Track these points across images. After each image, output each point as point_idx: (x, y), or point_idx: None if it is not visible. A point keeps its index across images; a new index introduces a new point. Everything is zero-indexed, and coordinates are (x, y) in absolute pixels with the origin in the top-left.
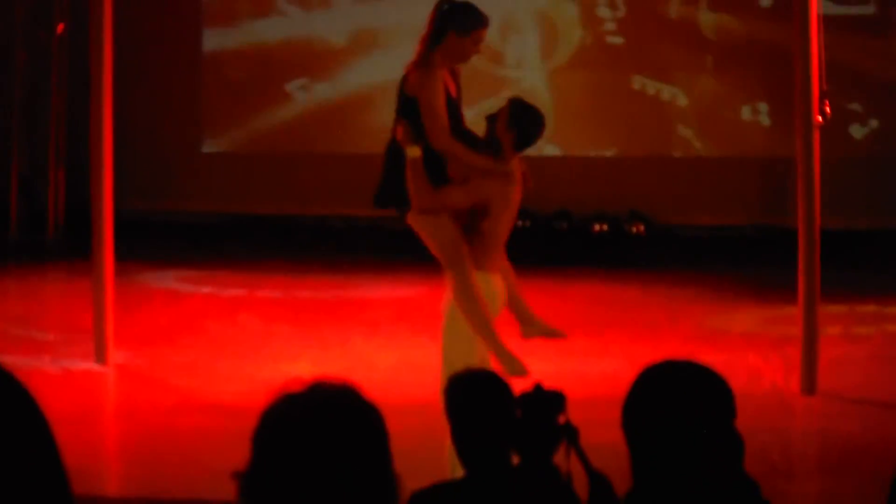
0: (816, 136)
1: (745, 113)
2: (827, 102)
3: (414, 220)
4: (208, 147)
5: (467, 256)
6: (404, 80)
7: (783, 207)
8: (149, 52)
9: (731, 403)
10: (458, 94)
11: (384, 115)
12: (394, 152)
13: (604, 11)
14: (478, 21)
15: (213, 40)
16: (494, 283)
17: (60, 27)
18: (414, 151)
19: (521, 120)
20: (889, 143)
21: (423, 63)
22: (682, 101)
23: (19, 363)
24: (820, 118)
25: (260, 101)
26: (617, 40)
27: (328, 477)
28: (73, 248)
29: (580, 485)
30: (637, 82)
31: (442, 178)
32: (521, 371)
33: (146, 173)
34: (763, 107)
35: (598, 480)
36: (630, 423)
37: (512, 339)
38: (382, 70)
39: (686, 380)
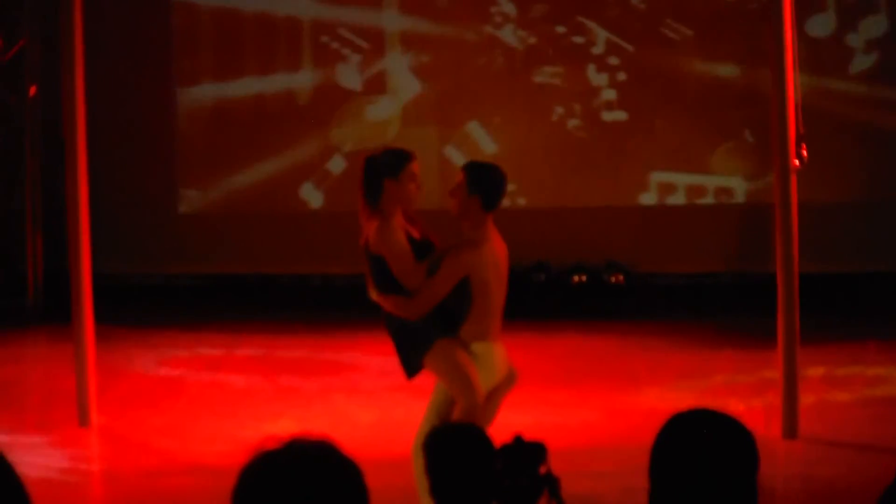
0: (793, 179)
1: (721, 159)
2: (804, 146)
3: (429, 361)
4: (184, 208)
5: (477, 380)
6: (366, 242)
7: (761, 253)
8: (122, 114)
9: (756, 457)
10: (420, 232)
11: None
12: (393, 322)
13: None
14: (403, 159)
15: (187, 100)
16: (495, 352)
17: (32, 90)
18: (372, 294)
19: (481, 182)
20: (869, 188)
21: (377, 220)
22: (658, 147)
23: (2, 428)
24: (797, 162)
25: (235, 160)
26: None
27: None
28: (53, 313)
29: None
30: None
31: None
32: None
33: (123, 236)
34: (737, 152)
35: None
36: (655, 468)
37: None
38: (359, 127)
39: (715, 429)
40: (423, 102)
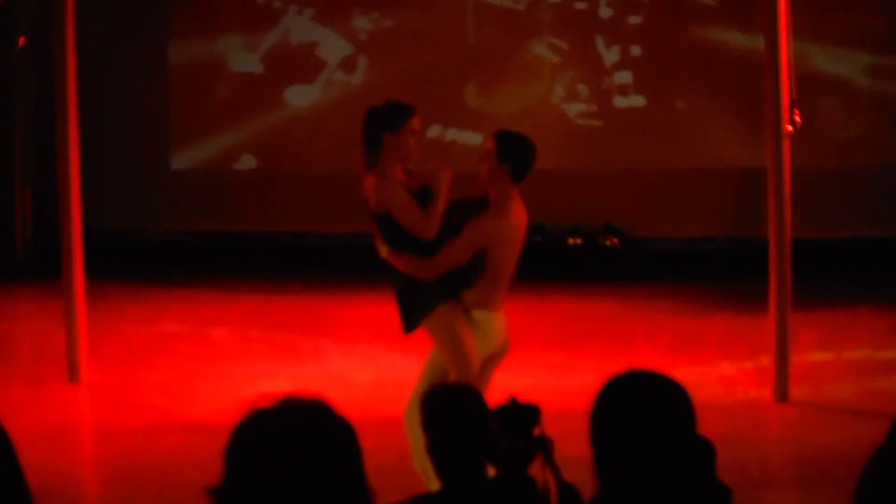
0: (786, 145)
1: (718, 124)
2: (797, 111)
3: (427, 326)
4: (178, 164)
5: (472, 353)
6: (366, 202)
7: (756, 218)
8: (116, 68)
9: (691, 412)
10: (419, 186)
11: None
12: (399, 279)
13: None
14: (405, 113)
15: (182, 55)
16: (495, 321)
17: (21, 41)
18: (382, 251)
19: (512, 152)
20: (859, 153)
21: (376, 176)
22: (656, 112)
23: None
24: (790, 127)
25: (230, 117)
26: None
27: (299, 492)
28: (44, 268)
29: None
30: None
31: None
32: None
33: (114, 191)
34: (735, 118)
35: (567, 492)
36: (593, 432)
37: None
38: (359, 86)
39: (645, 388)
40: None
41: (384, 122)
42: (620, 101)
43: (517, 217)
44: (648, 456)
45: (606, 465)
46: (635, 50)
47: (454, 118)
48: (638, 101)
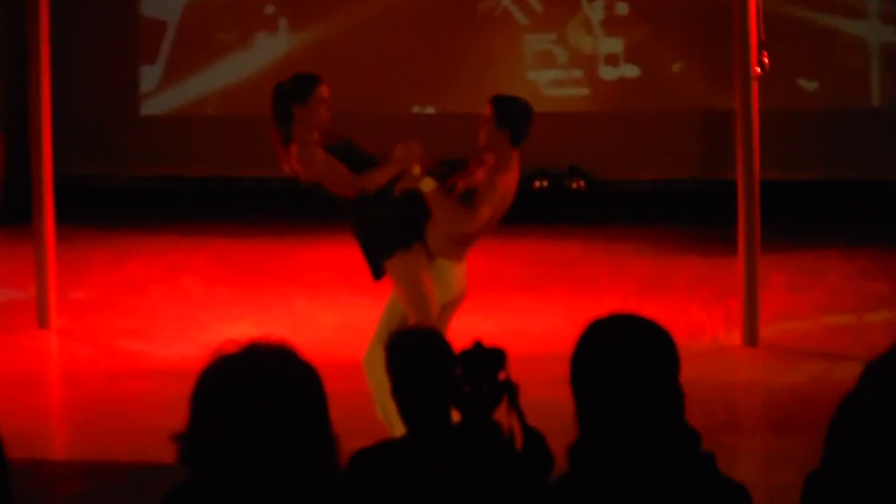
0: (755, 87)
1: (683, 66)
2: (765, 53)
3: (388, 268)
4: (147, 109)
5: (432, 298)
6: (297, 176)
7: (723, 160)
8: (86, 14)
9: (676, 358)
10: (337, 139)
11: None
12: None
13: None
14: (311, 83)
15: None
16: (457, 271)
17: None
18: (428, 185)
19: (510, 116)
20: (830, 95)
21: (296, 146)
22: (621, 53)
23: None
24: (758, 69)
25: (198, 62)
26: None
27: (265, 436)
28: (15, 215)
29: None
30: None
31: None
32: None
33: (84, 138)
34: (701, 59)
35: (532, 437)
36: (576, 376)
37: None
38: (326, 30)
39: (632, 333)
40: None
41: (292, 94)
42: (586, 44)
43: (513, 179)
44: (632, 402)
45: (588, 410)
46: None
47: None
48: (609, 45)
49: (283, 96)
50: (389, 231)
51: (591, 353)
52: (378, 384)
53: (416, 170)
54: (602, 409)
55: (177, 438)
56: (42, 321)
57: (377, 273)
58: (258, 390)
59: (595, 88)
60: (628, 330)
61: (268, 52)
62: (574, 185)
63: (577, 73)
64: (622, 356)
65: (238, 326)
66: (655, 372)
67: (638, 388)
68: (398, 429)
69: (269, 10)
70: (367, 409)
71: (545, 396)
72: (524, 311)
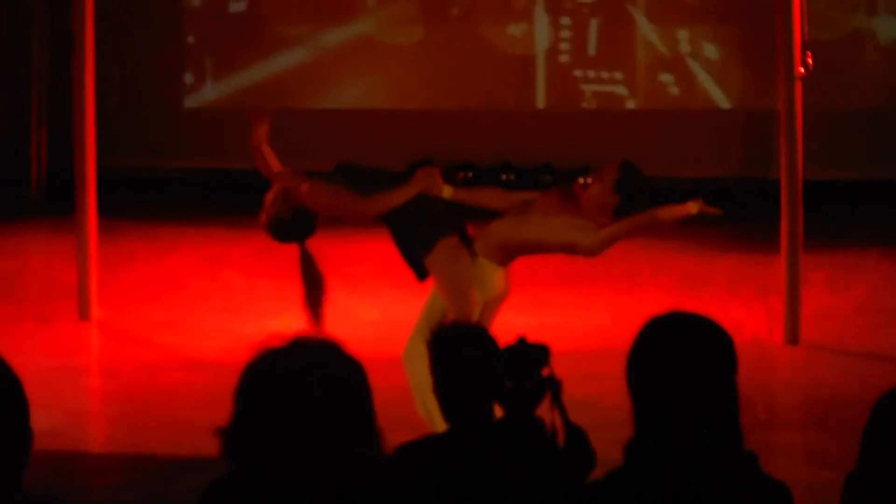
0: (799, 87)
1: (728, 64)
2: (809, 53)
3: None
4: (190, 102)
5: (472, 292)
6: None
7: (766, 159)
8: (132, 4)
9: (734, 358)
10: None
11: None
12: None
13: None
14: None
15: None
16: (498, 272)
17: None
18: (447, 192)
19: (631, 187)
20: (872, 96)
21: (306, 189)
22: (665, 52)
23: (2, 320)
24: (802, 69)
25: (244, 55)
26: None
27: (310, 431)
28: (57, 206)
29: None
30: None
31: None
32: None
33: (129, 130)
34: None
35: (575, 434)
36: (634, 373)
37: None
38: (370, 24)
39: (693, 332)
40: None
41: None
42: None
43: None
44: (691, 401)
45: (646, 408)
46: None
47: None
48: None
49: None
50: (425, 225)
51: (650, 351)
52: (418, 379)
53: (441, 192)
54: (660, 406)
55: (220, 432)
56: (83, 313)
57: (420, 273)
58: (304, 385)
59: (637, 86)
60: (688, 328)
61: (312, 45)
62: None
63: (618, 73)
64: (683, 354)
65: (278, 320)
66: (714, 371)
67: (697, 387)
68: (439, 424)
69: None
70: (407, 404)
71: (587, 393)
72: (563, 307)
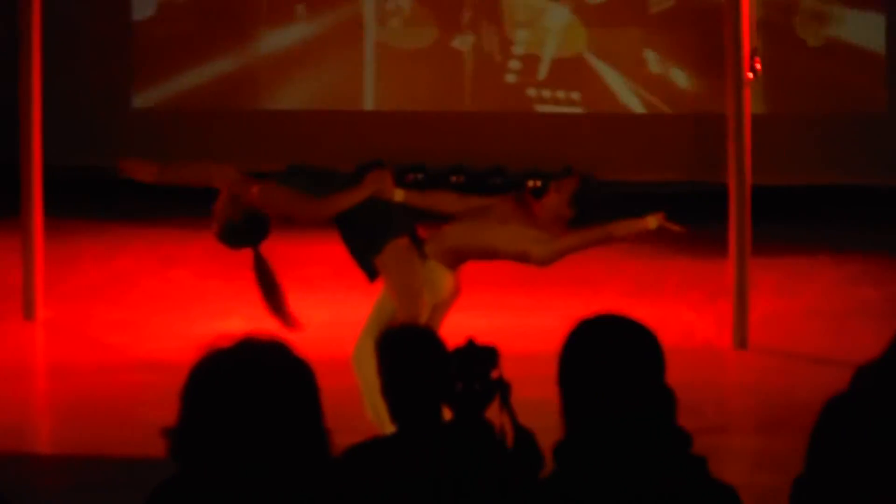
0: (747, 92)
1: (679, 69)
2: (757, 59)
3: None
4: (138, 102)
5: (421, 293)
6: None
7: (716, 163)
8: (79, 5)
9: (661, 359)
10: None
11: (321, 71)
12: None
13: None
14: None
15: None
16: (448, 274)
17: None
18: (398, 195)
19: (588, 201)
20: (816, 100)
21: (257, 191)
22: (615, 58)
23: None
24: (751, 74)
25: (192, 56)
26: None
27: (257, 432)
28: (3, 206)
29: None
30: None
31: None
32: None
33: (76, 130)
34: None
35: (523, 436)
36: (562, 375)
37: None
38: (318, 25)
39: (617, 333)
40: None
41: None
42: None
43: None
44: (618, 402)
45: (574, 410)
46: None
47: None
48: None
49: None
50: (375, 227)
51: (575, 353)
52: (368, 380)
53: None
54: (586, 408)
55: (167, 433)
56: (28, 312)
57: (371, 274)
58: (251, 385)
59: (588, 91)
60: (613, 330)
61: (259, 45)
62: None
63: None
64: (606, 356)
65: (228, 320)
66: (639, 372)
67: (621, 387)
68: (388, 425)
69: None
70: (357, 406)
71: (537, 395)
72: (516, 310)
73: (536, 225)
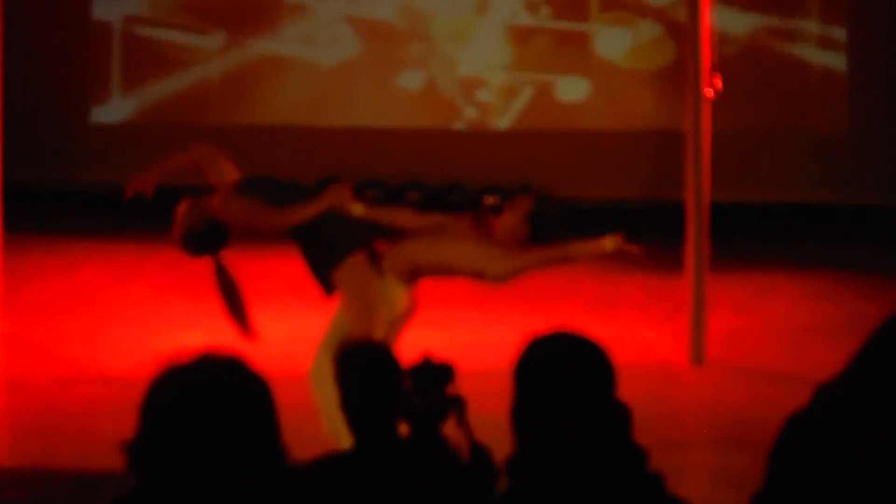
0: (707, 109)
1: (638, 85)
2: (718, 76)
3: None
4: (97, 117)
5: (376, 309)
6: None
7: (673, 180)
8: (38, 19)
9: (612, 374)
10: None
11: (285, 86)
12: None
13: None
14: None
15: (103, 7)
16: (403, 290)
17: None
18: (357, 209)
19: (543, 220)
20: (778, 114)
21: (217, 203)
22: (577, 73)
23: None
24: (710, 91)
25: (151, 70)
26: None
27: (214, 447)
28: None
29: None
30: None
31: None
32: None
33: (35, 144)
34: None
35: (478, 451)
36: (515, 391)
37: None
38: (286, 40)
39: (568, 350)
40: None
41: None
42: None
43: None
44: (569, 417)
45: (525, 425)
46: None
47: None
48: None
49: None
50: (333, 242)
51: (526, 368)
52: (325, 396)
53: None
54: (537, 422)
55: (125, 447)
56: None
57: (328, 288)
58: (210, 401)
59: (547, 107)
60: (563, 345)
61: (219, 61)
62: None
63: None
64: (556, 371)
65: (188, 335)
66: (589, 387)
67: (572, 402)
68: (345, 441)
69: (223, 18)
70: (314, 422)
71: (493, 411)
72: (474, 325)
73: (493, 242)
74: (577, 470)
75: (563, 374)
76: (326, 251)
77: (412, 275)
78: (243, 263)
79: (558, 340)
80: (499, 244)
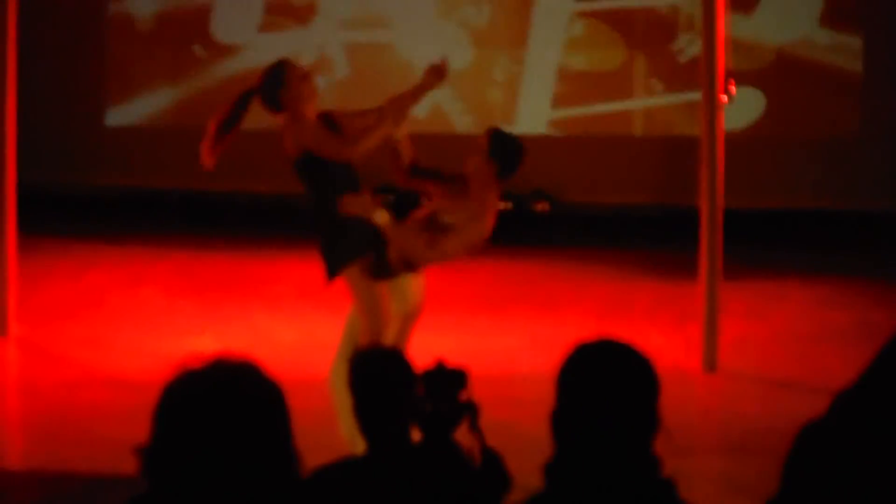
0: (721, 115)
1: (651, 91)
2: (732, 82)
3: (347, 276)
4: (112, 120)
5: (387, 310)
6: (286, 153)
7: (687, 186)
8: (52, 21)
9: (656, 386)
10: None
11: None
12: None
13: None
14: (281, 68)
15: (119, 10)
16: (415, 282)
17: None
18: (382, 217)
19: (502, 151)
20: (788, 123)
21: (288, 124)
22: (590, 78)
23: None
24: (725, 97)
25: (166, 73)
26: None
27: (228, 452)
28: None
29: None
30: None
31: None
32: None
33: (49, 146)
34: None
35: (490, 458)
36: (559, 398)
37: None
38: (295, 44)
39: (618, 359)
40: None
41: (272, 86)
42: (551, 66)
43: (489, 222)
44: (611, 426)
45: (567, 430)
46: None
47: None
48: (578, 62)
49: (267, 82)
50: (353, 239)
51: (571, 375)
52: (342, 401)
53: (375, 216)
54: (582, 431)
55: (139, 452)
56: (1, 329)
57: (330, 273)
58: (224, 407)
59: (559, 111)
60: (610, 354)
61: (234, 63)
62: (538, 208)
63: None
64: (607, 381)
65: (197, 339)
66: (637, 398)
67: (615, 412)
68: (361, 446)
69: (237, 21)
70: (327, 426)
71: (506, 417)
72: (484, 331)
73: (472, 198)
74: (608, 476)
75: (610, 383)
76: (345, 245)
77: (411, 262)
78: (256, 268)
79: (606, 348)
80: (476, 195)
